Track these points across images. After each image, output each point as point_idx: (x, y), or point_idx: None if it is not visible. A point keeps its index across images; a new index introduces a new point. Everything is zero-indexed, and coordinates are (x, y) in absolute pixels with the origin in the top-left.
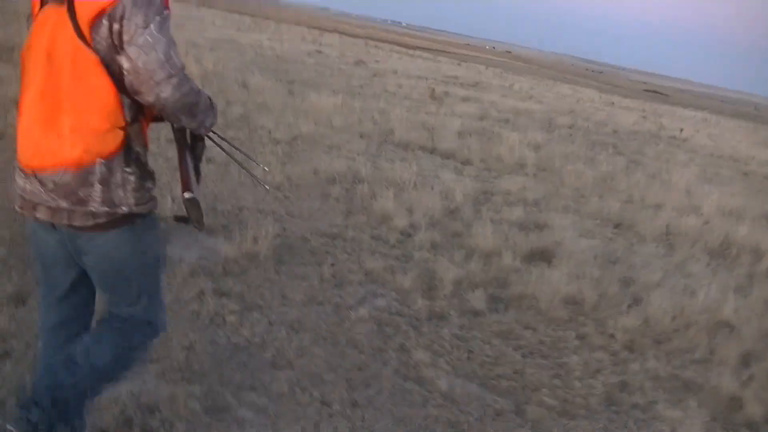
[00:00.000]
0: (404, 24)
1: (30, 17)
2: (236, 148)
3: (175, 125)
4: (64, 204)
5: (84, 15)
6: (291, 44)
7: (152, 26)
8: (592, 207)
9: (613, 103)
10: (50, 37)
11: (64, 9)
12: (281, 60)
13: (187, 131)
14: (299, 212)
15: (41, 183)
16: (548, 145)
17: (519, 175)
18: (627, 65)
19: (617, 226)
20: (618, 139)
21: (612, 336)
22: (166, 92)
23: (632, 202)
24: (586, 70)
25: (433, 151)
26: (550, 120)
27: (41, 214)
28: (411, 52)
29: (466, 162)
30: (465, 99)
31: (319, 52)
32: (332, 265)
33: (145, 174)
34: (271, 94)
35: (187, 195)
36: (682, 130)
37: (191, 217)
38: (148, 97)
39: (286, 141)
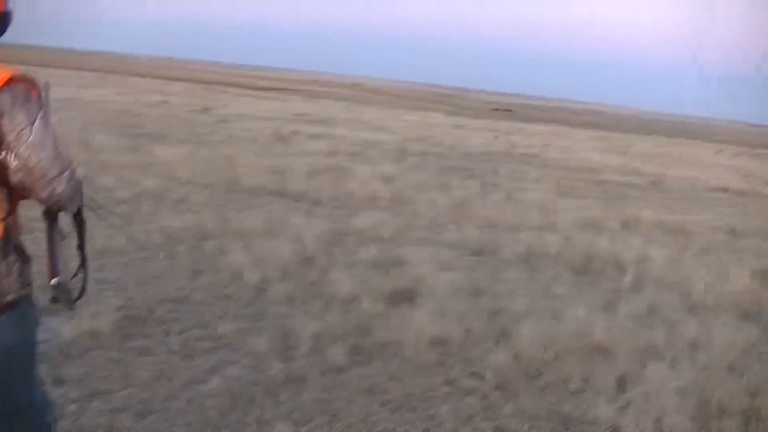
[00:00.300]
0: (253, 65)
1: None
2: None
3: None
4: None
5: None
6: (136, 96)
7: (37, 122)
8: (449, 236)
9: (462, 126)
10: None
11: None
12: (126, 114)
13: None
14: (143, 278)
15: None
16: (400, 176)
17: (372, 210)
18: (475, 86)
19: (477, 253)
20: (470, 161)
21: (482, 377)
22: (60, 188)
23: (490, 226)
24: (435, 94)
25: (282, 194)
26: (401, 149)
27: None
28: (259, 93)
29: (317, 202)
30: (314, 136)
31: (165, 102)
32: (180, 334)
33: (26, 259)
34: (114, 151)
35: (53, 282)
36: (533, 146)
37: (61, 300)
38: (41, 194)
39: (129, 200)
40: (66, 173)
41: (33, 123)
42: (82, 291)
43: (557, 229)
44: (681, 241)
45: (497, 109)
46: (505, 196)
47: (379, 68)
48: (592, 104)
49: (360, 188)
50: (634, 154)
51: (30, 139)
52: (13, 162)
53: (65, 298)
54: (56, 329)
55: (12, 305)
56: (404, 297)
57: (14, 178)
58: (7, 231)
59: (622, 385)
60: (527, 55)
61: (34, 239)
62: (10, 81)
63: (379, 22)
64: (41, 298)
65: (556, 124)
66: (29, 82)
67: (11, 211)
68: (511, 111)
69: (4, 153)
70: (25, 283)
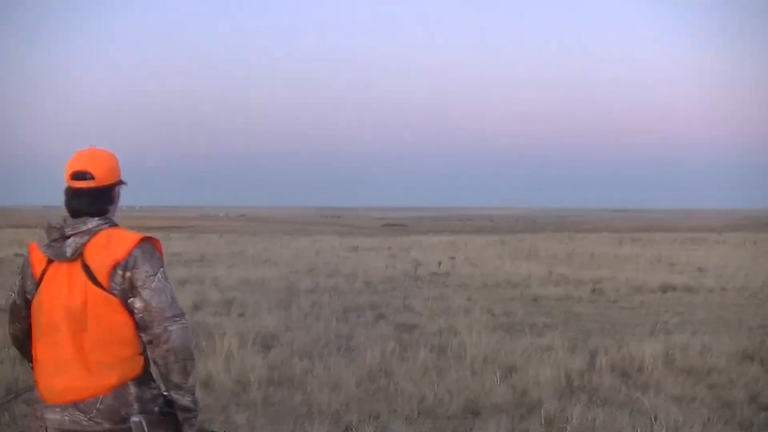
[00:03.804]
0: (138, 207)
1: (27, 275)
2: None
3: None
4: (107, 425)
5: (101, 267)
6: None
7: (159, 274)
8: None
9: (357, 247)
10: (68, 289)
11: (77, 265)
12: None
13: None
14: None
15: (83, 411)
16: (285, 333)
17: (239, 409)
18: (362, 204)
19: None
20: (374, 293)
21: None
22: (173, 327)
23: (427, 406)
24: (324, 217)
25: None
26: (289, 287)
27: None
28: (148, 232)
29: None
30: (183, 281)
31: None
32: None
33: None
34: None
35: None
36: (440, 263)
37: None
38: (156, 330)
39: None
40: (182, 320)
41: (155, 274)
42: None
43: (524, 380)
44: None
45: (388, 225)
46: (433, 345)
47: (267, 196)
48: (480, 208)
49: (223, 370)
50: (546, 258)
51: (153, 285)
52: (137, 304)
53: None
54: None
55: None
56: None
57: (137, 318)
58: (147, 363)
59: None
60: (409, 168)
61: None
62: (141, 241)
63: (265, 149)
64: None
65: (448, 233)
66: (155, 242)
67: (145, 348)
68: (402, 225)
69: (131, 298)
70: (164, 408)
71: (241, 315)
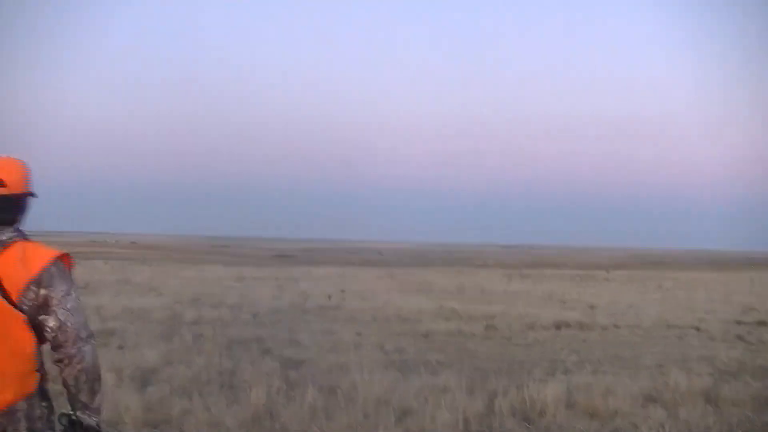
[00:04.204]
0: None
1: None
2: None
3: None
4: None
5: (14, 282)
6: None
7: (73, 294)
8: None
9: (244, 277)
10: None
11: None
12: None
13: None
14: None
15: None
16: (165, 368)
17: None
18: (252, 234)
19: None
20: (260, 326)
21: None
22: (86, 348)
23: None
24: (213, 246)
25: None
26: (172, 317)
27: None
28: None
29: None
30: None
31: None
32: None
33: (52, 407)
34: None
35: None
36: (330, 296)
37: None
38: (71, 350)
39: None
40: (92, 339)
41: (70, 293)
42: None
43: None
44: None
45: (277, 256)
46: (321, 386)
47: (160, 223)
48: (368, 241)
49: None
50: (437, 292)
51: (69, 305)
52: (51, 322)
53: None
54: None
55: None
56: None
57: (49, 336)
58: (43, 379)
59: None
60: (298, 199)
61: None
62: (57, 257)
63: (159, 174)
64: None
65: (337, 266)
66: (69, 259)
67: (42, 365)
68: (290, 256)
69: (44, 315)
70: (51, 426)
71: (120, 347)
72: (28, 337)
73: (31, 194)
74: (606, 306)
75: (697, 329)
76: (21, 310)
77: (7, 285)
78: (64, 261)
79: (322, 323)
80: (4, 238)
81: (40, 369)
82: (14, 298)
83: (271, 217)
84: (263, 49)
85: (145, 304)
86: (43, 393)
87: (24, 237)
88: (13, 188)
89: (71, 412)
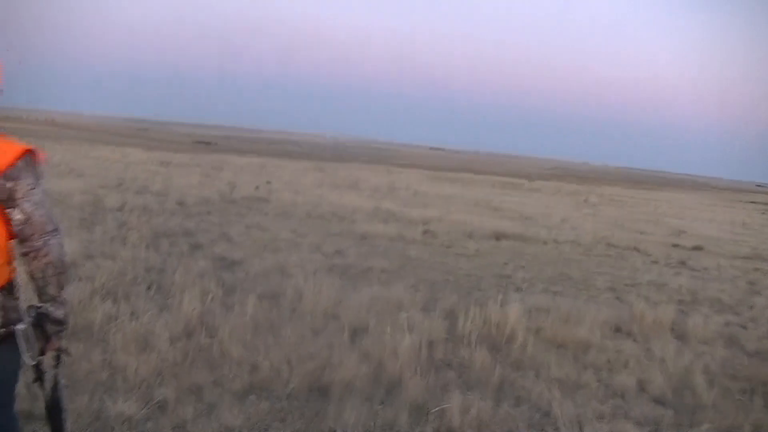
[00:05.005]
0: None
1: None
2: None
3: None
4: None
5: None
6: None
7: (39, 188)
8: None
9: (168, 162)
10: None
11: None
12: None
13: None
14: None
15: None
16: (87, 262)
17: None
18: (172, 118)
19: None
20: (188, 216)
21: None
22: (54, 242)
23: (260, 378)
24: (131, 128)
25: None
26: (94, 203)
27: None
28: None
29: None
30: None
31: None
32: None
33: (21, 300)
34: None
35: None
36: (257, 186)
37: None
38: (37, 243)
39: None
40: (58, 233)
41: (37, 187)
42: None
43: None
44: None
45: (198, 142)
46: (260, 295)
47: (75, 101)
48: (286, 132)
49: None
50: (368, 190)
51: (35, 198)
52: (17, 215)
53: None
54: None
55: (8, 336)
56: None
57: (15, 229)
58: (13, 273)
59: None
60: (219, 84)
61: None
62: (26, 152)
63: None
64: None
65: (256, 155)
66: (38, 153)
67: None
68: (211, 143)
69: (10, 208)
70: (21, 318)
71: None
72: (2, 230)
73: None
74: (540, 218)
75: (637, 250)
76: None
77: None
78: (33, 156)
79: (253, 216)
80: None
81: (11, 262)
82: None
83: (190, 101)
84: None
85: (65, 187)
86: (14, 286)
87: None
88: None
89: (39, 305)
